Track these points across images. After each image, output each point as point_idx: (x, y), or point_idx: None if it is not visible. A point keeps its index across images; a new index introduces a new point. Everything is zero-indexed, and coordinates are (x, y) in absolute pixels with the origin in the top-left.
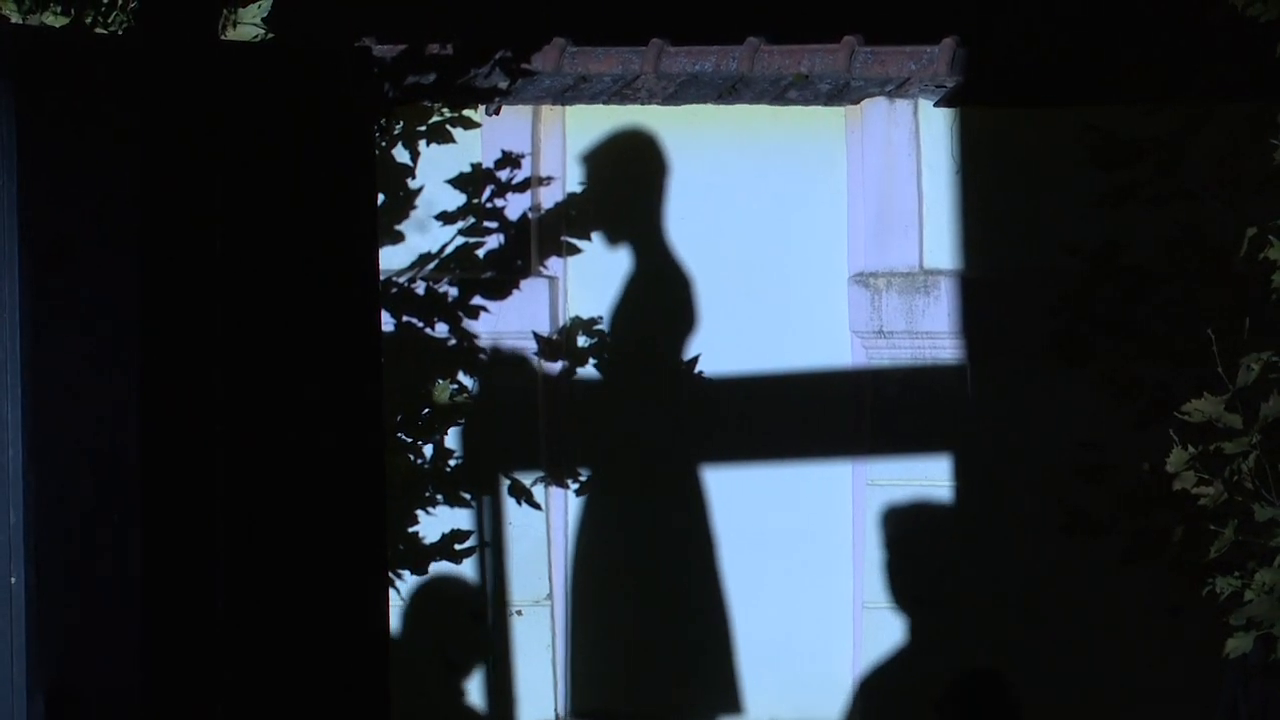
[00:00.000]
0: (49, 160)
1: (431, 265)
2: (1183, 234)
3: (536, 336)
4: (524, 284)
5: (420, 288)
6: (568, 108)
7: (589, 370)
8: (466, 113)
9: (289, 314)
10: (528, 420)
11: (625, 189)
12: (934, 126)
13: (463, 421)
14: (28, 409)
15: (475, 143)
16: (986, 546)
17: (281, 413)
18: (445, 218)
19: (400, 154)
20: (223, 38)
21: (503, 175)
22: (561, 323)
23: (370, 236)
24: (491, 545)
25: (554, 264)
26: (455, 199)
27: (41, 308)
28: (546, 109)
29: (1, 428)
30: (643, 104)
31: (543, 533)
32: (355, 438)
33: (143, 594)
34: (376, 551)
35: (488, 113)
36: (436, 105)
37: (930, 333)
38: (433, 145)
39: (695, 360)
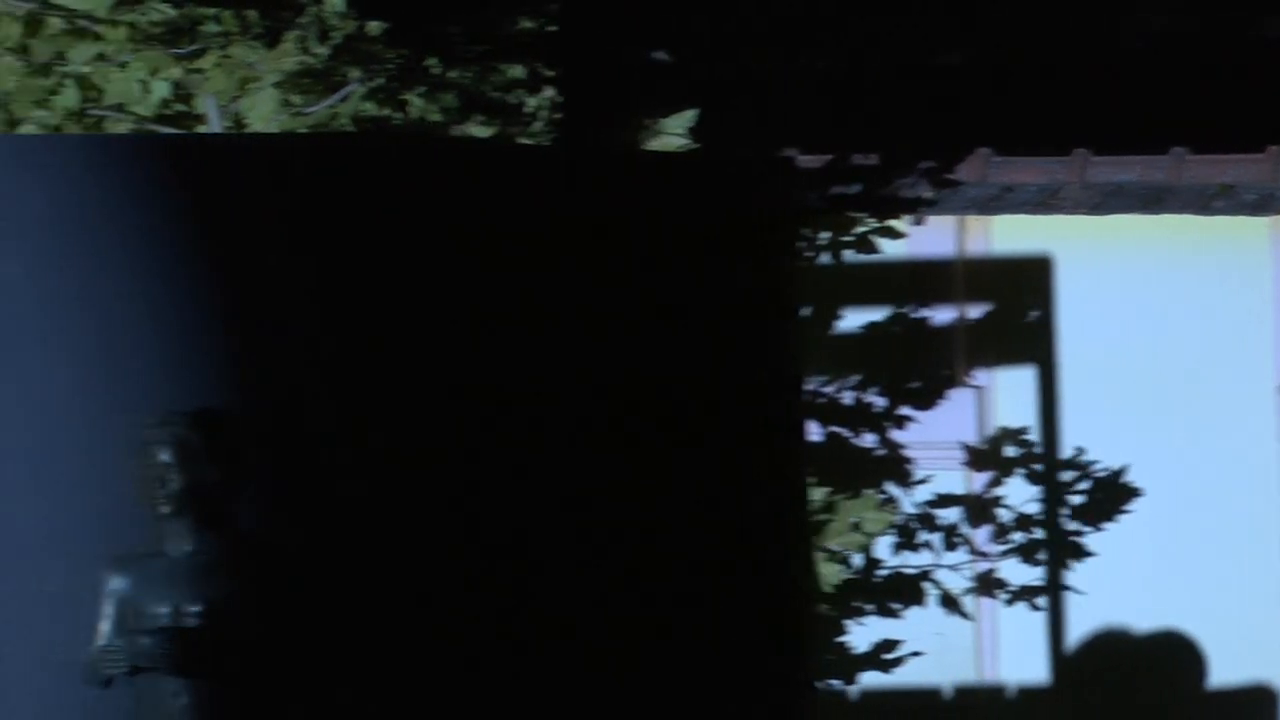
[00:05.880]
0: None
1: (857, 376)
2: None
3: (964, 446)
4: (951, 393)
5: (847, 398)
6: (993, 218)
7: (1016, 480)
8: (891, 222)
9: (710, 426)
10: (955, 530)
11: (1045, 302)
12: None
13: (892, 530)
14: None
15: (900, 252)
16: None
17: (706, 521)
18: (871, 328)
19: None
20: (645, 148)
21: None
22: (988, 432)
23: (792, 345)
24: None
25: (980, 373)
26: (882, 309)
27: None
28: (971, 219)
29: None
30: (1068, 214)
31: (970, 643)
32: (781, 545)
33: None
34: (803, 661)
35: (912, 223)
36: (862, 215)
37: None
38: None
39: (1123, 470)
